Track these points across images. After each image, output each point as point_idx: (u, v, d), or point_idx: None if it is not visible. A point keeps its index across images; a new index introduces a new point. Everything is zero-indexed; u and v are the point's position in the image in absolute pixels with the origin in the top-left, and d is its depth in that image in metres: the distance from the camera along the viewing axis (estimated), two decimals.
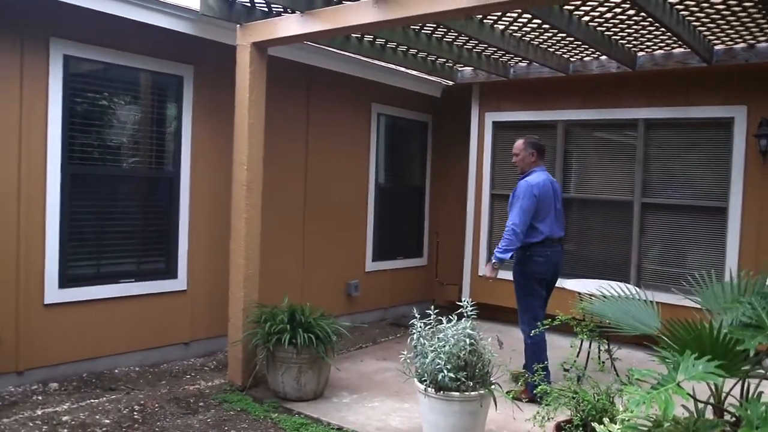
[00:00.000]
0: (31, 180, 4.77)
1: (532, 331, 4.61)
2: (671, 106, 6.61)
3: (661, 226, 6.80)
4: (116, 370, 5.32)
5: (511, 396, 4.12)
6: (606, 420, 3.28)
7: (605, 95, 7.01)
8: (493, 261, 4.94)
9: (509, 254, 4.88)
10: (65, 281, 4.99)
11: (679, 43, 5.75)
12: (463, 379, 3.85)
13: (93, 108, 5.20)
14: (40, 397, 4.67)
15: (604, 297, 3.77)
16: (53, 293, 4.93)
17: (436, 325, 4.09)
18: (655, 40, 5.85)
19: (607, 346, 5.39)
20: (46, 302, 4.90)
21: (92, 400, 4.68)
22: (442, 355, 3.89)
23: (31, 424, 4.18)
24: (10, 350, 4.73)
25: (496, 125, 7.85)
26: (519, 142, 5.20)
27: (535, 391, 4.14)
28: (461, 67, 7.55)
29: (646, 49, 6.26)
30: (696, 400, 2.89)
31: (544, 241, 4.98)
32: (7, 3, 4.54)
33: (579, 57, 6.72)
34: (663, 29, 5.32)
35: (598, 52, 6.33)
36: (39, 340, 4.88)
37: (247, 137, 5.05)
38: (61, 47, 4.85)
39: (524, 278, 5.07)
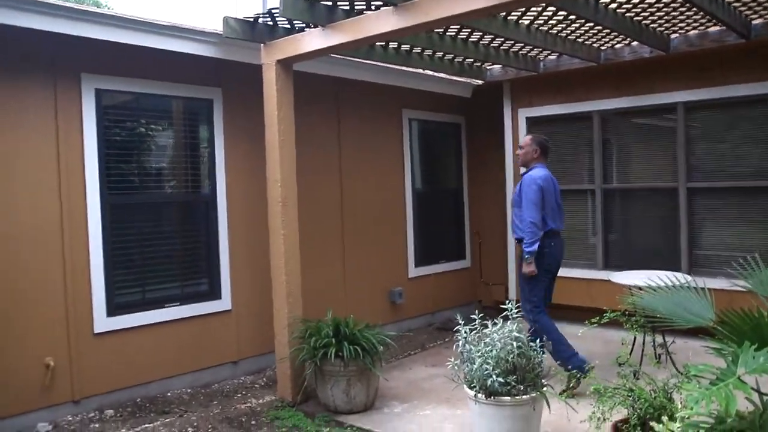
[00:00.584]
0: (72, 213, 4.87)
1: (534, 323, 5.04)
2: (710, 86, 6.40)
3: (710, 211, 6.58)
4: (168, 393, 5.38)
5: (564, 397, 4.02)
6: (665, 418, 3.17)
7: (640, 81, 6.84)
8: (526, 257, 5.11)
9: (536, 246, 5.08)
10: (113, 310, 5.08)
11: (714, 21, 5.57)
12: (513, 383, 3.78)
13: (127, 138, 5.30)
14: (97, 425, 4.75)
15: (654, 289, 3.64)
16: (102, 322, 5.02)
17: (482, 330, 4.02)
18: (687, 20, 5.68)
19: (662, 340, 5.24)
20: (95, 331, 4.99)
21: (147, 425, 4.74)
22: (489, 360, 3.82)
23: None
24: (66, 380, 4.83)
25: (530, 121, 7.73)
26: (527, 137, 5.45)
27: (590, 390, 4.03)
28: (489, 65, 7.46)
29: (679, 31, 6.09)
30: (761, 393, 2.76)
31: (548, 233, 5.18)
32: (38, 43, 4.65)
33: (610, 45, 6.57)
34: (695, 9, 5.15)
35: (629, 39, 6.18)
36: (92, 368, 4.97)
37: (279, 154, 5.07)
38: (92, 82, 4.95)
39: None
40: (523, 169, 5.58)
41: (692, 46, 6.17)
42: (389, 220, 7.39)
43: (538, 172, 5.23)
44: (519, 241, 5.26)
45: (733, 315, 2.88)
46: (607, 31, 5.86)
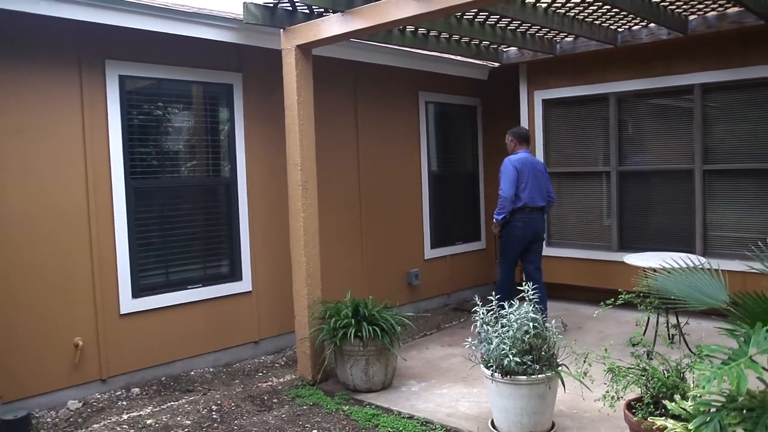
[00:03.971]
0: (98, 197, 5.00)
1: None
2: (728, 68, 6.38)
3: (725, 193, 6.59)
4: (192, 372, 5.53)
5: (579, 376, 4.11)
6: (677, 397, 3.25)
7: (657, 63, 6.83)
8: (494, 222, 6.10)
9: (502, 216, 5.99)
10: (138, 291, 5.22)
11: (733, 2, 5.55)
12: (529, 362, 3.87)
13: (150, 123, 5.40)
14: (124, 402, 4.91)
15: (668, 271, 3.70)
16: (127, 303, 5.16)
17: (499, 311, 4.11)
18: (706, 2, 5.67)
19: (676, 321, 5.30)
20: (121, 312, 5.13)
21: (172, 403, 4.89)
22: (506, 341, 3.91)
23: (119, 429, 4.41)
24: (94, 360, 4.99)
25: (546, 103, 7.75)
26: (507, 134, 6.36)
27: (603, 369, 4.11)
28: (506, 48, 7.48)
29: (698, 12, 6.07)
30: None
31: (523, 208, 6.00)
32: (63, 31, 4.75)
33: (627, 27, 6.56)
34: None
35: (646, 21, 6.17)
36: (118, 348, 5.12)
37: (299, 138, 5.15)
38: (116, 68, 5.05)
39: (506, 237, 6.12)
40: None
41: (710, 28, 6.15)
42: (406, 202, 7.46)
43: (517, 156, 6.08)
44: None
45: (747, 297, 2.94)
46: (625, 13, 5.85)
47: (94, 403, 4.87)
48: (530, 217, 6.03)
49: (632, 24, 6.44)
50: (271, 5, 5.10)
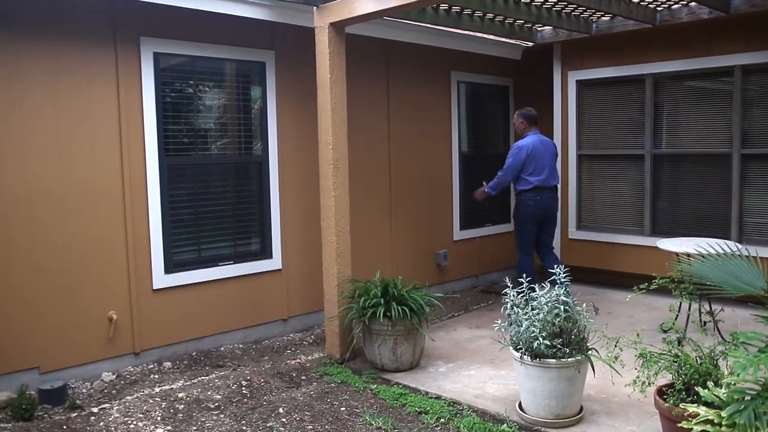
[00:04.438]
0: (132, 174, 5.06)
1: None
2: None
3: (763, 178, 6.44)
4: (222, 348, 5.62)
5: (609, 360, 4.08)
6: (710, 384, 3.21)
7: (696, 43, 6.66)
8: (486, 190, 6.52)
9: (494, 191, 6.50)
10: (170, 267, 5.30)
11: None
12: (559, 345, 3.85)
13: (184, 100, 5.44)
14: (156, 376, 5.01)
15: (703, 257, 3.64)
16: (160, 279, 5.24)
17: (530, 293, 4.09)
18: None
19: (709, 307, 5.22)
20: (154, 288, 5.22)
21: (203, 377, 4.97)
22: (536, 323, 3.89)
23: (151, 401, 4.50)
24: (127, 333, 5.09)
25: (580, 84, 7.63)
26: (515, 115, 6.52)
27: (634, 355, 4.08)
28: (540, 27, 7.36)
29: None
30: None
31: (533, 189, 6.22)
32: (98, 8, 4.79)
33: (666, 6, 6.41)
34: None
35: None
36: (151, 323, 5.22)
37: (331, 117, 5.14)
38: (150, 45, 5.08)
39: (518, 217, 6.37)
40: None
41: (755, 6, 5.97)
42: (436, 183, 7.44)
43: (527, 140, 6.27)
44: (518, 194, 6.44)
45: None
46: None
47: (127, 376, 4.98)
48: (541, 195, 6.23)
49: (672, 2, 6.28)
50: None
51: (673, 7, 6.43)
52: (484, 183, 6.55)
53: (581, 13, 6.71)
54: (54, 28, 4.63)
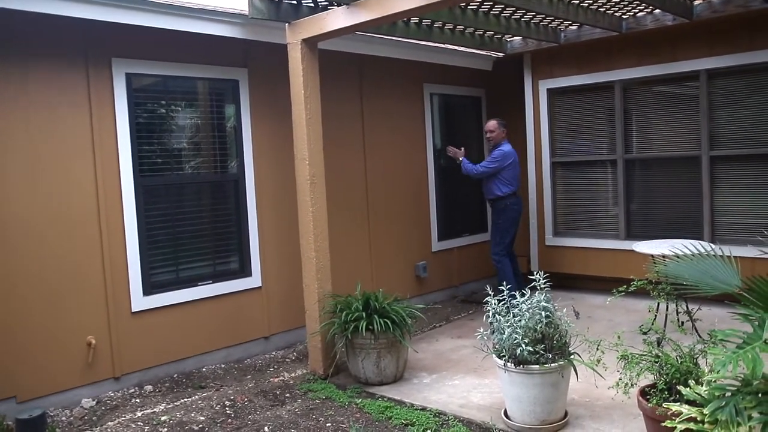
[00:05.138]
0: (107, 196, 5.01)
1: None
2: (734, 53, 6.35)
3: (733, 179, 6.58)
4: (204, 369, 5.55)
5: (592, 364, 4.11)
6: (691, 382, 3.25)
7: (662, 50, 6.80)
8: (463, 163, 6.94)
9: (464, 171, 6.91)
10: (149, 289, 5.24)
11: None
12: (541, 351, 3.87)
13: (157, 120, 5.41)
14: (138, 400, 4.93)
15: (678, 257, 3.70)
16: (139, 301, 5.18)
17: (510, 301, 4.12)
18: None
19: (685, 307, 5.29)
20: (133, 310, 5.15)
21: (185, 399, 4.91)
22: (518, 330, 3.92)
23: (134, 426, 4.43)
24: (107, 358, 5.01)
25: (551, 92, 7.74)
26: (493, 122, 6.86)
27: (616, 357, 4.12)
28: (510, 37, 7.46)
29: None
30: None
31: (514, 194, 6.82)
32: (69, 31, 4.75)
33: (632, 14, 6.54)
34: None
35: (651, 7, 6.13)
36: (131, 346, 5.14)
37: (306, 133, 5.15)
38: (122, 66, 5.05)
39: (504, 221, 6.83)
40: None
41: (716, 12, 6.13)
42: (413, 195, 7.47)
43: (508, 147, 6.79)
44: (488, 201, 7.02)
45: (760, 281, 2.95)
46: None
47: (108, 401, 4.90)
48: (518, 200, 6.91)
49: (637, 10, 6.41)
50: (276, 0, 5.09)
51: (638, 14, 6.57)
52: (463, 158, 6.94)
53: (549, 23, 6.83)
54: (24, 52, 4.58)
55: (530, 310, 3.94)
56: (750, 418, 2.64)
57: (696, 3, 6.19)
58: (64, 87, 4.78)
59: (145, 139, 5.26)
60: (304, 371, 5.44)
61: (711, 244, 5.05)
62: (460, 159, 6.95)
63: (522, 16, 6.41)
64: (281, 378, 5.33)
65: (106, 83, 4.99)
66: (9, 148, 4.53)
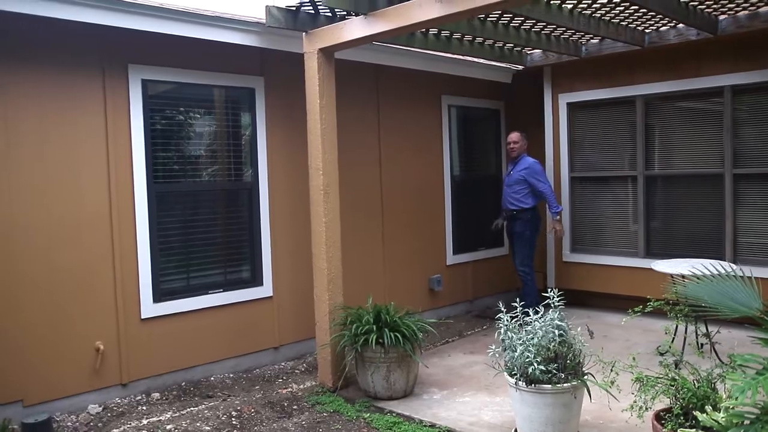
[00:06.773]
0: (120, 201, 5.00)
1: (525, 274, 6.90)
2: (760, 69, 6.21)
3: (757, 198, 6.43)
4: (212, 378, 5.51)
5: (606, 385, 4.00)
6: (708, 408, 3.14)
7: (685, 65, 6.69)
8: (557, 217, 6.81)
9: (556, 207, 6.81)
10: (159, 296, 5.22)
11: (765, 0, 5.41)
12: (554, 371, 3.77)
13: (173, 127, 5.41)
14: (144, 407, 4.90)
15: (698, 278, 3.59)
16: (148, 308, 5.15)
17: (523, 318, 4.02)
18: (737, 0, 5.53)
19: (705, 329, 5.16)
20: (143, 317, 5.13)
21: (192, 408, 4.87)
22: (531, 348, 3.82)
23: None
24: (115, 364, 4.99)
25: (571, 106, 7.64)
26: (517, 134, 6.92)
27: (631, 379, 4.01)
28: (530, 50, 7.39)
29: (728, 12, 5.93)
30: None
31: (536, 207, 6.89)
32: (86, 37, 4.76)
33: (654, 28, 6.44)
34: None
35: (674, 21, 6.04)
36: (139, 353, 5.12)
37: (321, 142, 5.11)
38: (138, 72, 5.06)
39: (533, 232, 6.86)
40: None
41: (741, 27, 6.01)
42: (428, 207, 7.40)
43: (533, 159, 6.87)
44: (511, 213, 6.93)
45: None
46: (653, 13, 5.74)
47: (114, 408, 4.87)
48: (538, 212, 6.97)
49: (660, 25, 6.31)
50: (294, 8, 5.08)
51: (662, 29, 6.47)
52: (557, 217, 6.84)
53: (570, 36, 6.75)
54: (41, 57, 4.61)
55: (543, 328, 3.85)
56: None
57: (721, 18, 6.08)
58: (80, 92, 4.79)
59: (160, 146, 5.26)
60: (313, 383, 5.37)
61: (732, 265, 4.92)
62: (554, 213, 6.86)
63: (542, 29, 6.34)
64: (289, 389, 5.27)
65: (122, 89, 4.99)
66: (23, 153, 4.54)
